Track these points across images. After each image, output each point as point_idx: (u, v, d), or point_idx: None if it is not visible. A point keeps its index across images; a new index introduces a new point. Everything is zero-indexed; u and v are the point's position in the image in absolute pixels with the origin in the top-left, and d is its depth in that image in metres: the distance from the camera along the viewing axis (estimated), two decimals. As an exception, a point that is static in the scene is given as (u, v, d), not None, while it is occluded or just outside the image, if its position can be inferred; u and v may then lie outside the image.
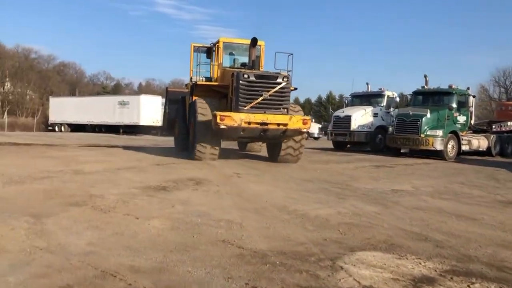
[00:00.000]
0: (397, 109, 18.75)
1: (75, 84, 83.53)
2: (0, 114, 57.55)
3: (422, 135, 14.78)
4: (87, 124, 45.91)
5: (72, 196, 6.11)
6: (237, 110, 10.88)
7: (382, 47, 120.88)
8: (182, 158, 11.69)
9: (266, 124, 10.83)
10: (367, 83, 19.99)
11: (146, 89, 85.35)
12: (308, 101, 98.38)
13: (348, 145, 19.68)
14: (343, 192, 7.47)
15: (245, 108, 10.88)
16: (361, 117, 18.05)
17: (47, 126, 49.73)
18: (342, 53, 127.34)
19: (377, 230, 5.10)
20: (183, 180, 7.79)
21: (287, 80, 11.22)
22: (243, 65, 12.38)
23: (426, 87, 16.98)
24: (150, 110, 38.69)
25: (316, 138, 44.60)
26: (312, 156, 14.56)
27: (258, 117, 10.80)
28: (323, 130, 48.50)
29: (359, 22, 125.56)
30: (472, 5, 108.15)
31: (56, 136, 33.34)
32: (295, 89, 12.49)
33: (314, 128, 45.78)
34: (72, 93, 70.60)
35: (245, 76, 10.98)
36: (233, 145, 19.00)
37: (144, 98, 40.42)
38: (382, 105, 18.66)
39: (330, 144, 27.10)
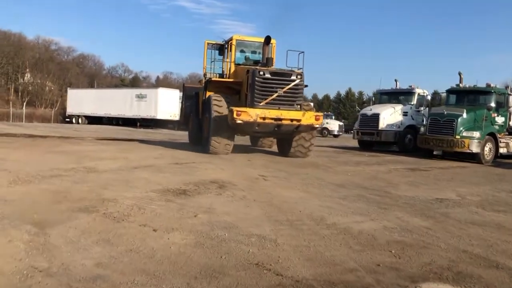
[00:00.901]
0: (427, 108, 17.75)
1: (94, 76, 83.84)
2: (19, 105, 57.78)
3: (458, 137, 13.78)
4: (104, 117, 45.73)
5: (82, 200, 5.43)
6: (252, 105, 11.25)
7: (409, 44, 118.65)
8: (202, 157, 11.02)
9: (280, 119, 11.15)
10: (395, 80, 19.01)
11: (163, 82, 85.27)
12: (326, 97, 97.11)
13: (374, 145, 18.71)
14: (383, 201, 6.66)
15: (261, 104, 11.26)
16: (390, 116, 17.07)
17: (65, 118, 49.76)
18: (363, 48, 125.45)
19: (435, 252, 4.30)
20: (204, 183, 7.07)
21: (301, 77, 11.59)
22: (256, 62, 12.76)
23: (461, 85, 15.91)
24: (168, 104, 38.21)
25: (336, 136, 43.57)
26: (339, 157, 13.71)
27: (273, 113, 11.15)
28: (343, 127, 47.51)
29: (381, 17, 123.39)
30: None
31: (72, 128, 33.06)
32: (306, 86, 12.69)
33: (334, 125, 44.81)
34: (91, 85, 70.77)
35: (261, 73, 11.35)
36: (244, 140, 18.37)
37: (162, 92, 39.93)
38: (412, 103, 17.62)
39: (352, 143, 26.14)
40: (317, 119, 11.59)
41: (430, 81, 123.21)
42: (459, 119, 13.88)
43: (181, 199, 5.85)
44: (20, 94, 71.38)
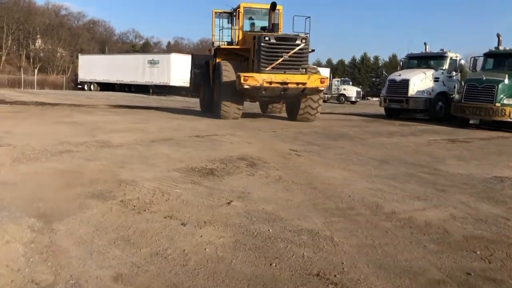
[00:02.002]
0: (460, 74, 16.52)
1: (105, 42, 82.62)
2: (31, 71, 57.18)
3: (498, 104, 12.62)
4: (116, 83, 44.93)
5: (96, 182, 4.67)
6: (259, 71, 11.61)
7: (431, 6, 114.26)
8: (224, 128, 10.19)
9: (286, 83, 11.54)
10: (425, 43, 17.61)
11: (174, 48, 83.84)
12: (341, 62, 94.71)
13: (401, 113, 17.61)
14: (437, 181, 5.79)
15: (267, 69, 11.60)
16: (420, 82, 15.86)
17: (77, 85, 49.07)
18: (380, 12, 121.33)
19: (530, 253, 3.47)
20: (232, 160, 6.26)
21: (306, 42, 11.83)
22: (263, 28, 12.92)
23: (500, 48, 14.59)
24: (181, 70, 37.05)
25: (353, 102, 42.25)
26: (369, 126, 12.76)
27: (279, 77, 11.51)
28: (361, 94, 46.08)
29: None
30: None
31: (84, 95, 32.37)
32: (313, 50, 13.03)
33: (352, 91, 43.40)
34: (102, 51, 69.75)
35: (266, 38, 11.63)
36: (253, 107, 17.65)
37: (175, 57, 38.75)
38: (443, 68, 16.34)
39: (372, 109, 24.98)
40: (322, 82, 11.90)
41: (457, 45, 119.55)
42: (499, 85, 12.70)
43: (209, 180, 5.06)
44: (31, 60, 70.73)
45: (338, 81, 44.99)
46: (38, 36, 73.80)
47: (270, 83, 11.45)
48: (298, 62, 11.86)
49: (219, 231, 3.50)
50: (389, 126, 13.34)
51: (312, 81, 11.72)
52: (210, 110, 13.91)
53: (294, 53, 11.73)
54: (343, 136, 9.82)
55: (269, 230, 3.57)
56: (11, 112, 12.15)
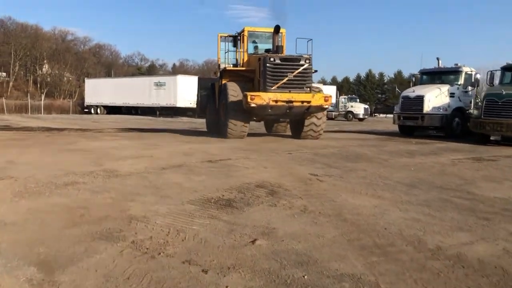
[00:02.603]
0: (475, 89, 16.05)
1: (111, 66, 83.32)
2: (38, 96, 57.44)
3: (521, 119, 12.13)
4: (123, 106, 44.90)
5: (104, 220, 4.22)
6: (265, 90, 12.11)
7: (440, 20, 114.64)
8: (237, 151, 9.77)
9: (292, 102, 12.03)
10: (437, 58, 17.19)
11: (179, 69, 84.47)
12: (346, 80, 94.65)
13: (415, 130, 17.10)
14: (475, 207, 5.28)
15: (272, 88, 12.11)
16: (436, 98, 15.37)
17: (83, 108, 49.11)
18: (382, 29, 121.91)
19: None
20: (250, 188, 5.80)
21: (309, 62, 12.40)
22: (267, 51, 13.35)
23: (517, 62, 14.12)
24: (187, 91, 36.94)
25: (361, 119, 41.79)
26: (385, 146, 12.26)
27: (284, 96, 12.01)
28: (369, 111, 45.61)
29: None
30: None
31: (91, 119, 32.23)
32: (316, 71, 13.86)
33: (359, 108, 42.99)
34: (108, 75, 70.22)
35: (271, 59, 12.21)
36: (258, 127, 17.56)
37: (181, 79, 38.72)
38: (459, 83, 15.89)
39: (384, 127, 24.35)
40: (326, 100, 12.45)
41: (464, 58, 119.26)
42: (521, 100, 12.22)
43: (227, 213, 4.59)
44: (38, 85, 71.29)
45: (345, 98, 44.70)
46: (45, 61, 74.54)
47: (276, 101, 11.94)
48: (302, 82, 12.39)
49: (247, 279, 3.02)
50: (406, 144, 12.84)
51: (316, 99, 12.22)
52: (216, 130, 14.25)
53: (299, 72, 12.29)
54: (362, 157, 9.34)
55: (304, 277, 3.09)
56: (16, 139, 11.81)
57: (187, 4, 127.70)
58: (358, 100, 46.42)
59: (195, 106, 36.44)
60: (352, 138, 14.93)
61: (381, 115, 56.41)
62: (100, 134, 14.74)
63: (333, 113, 44.43)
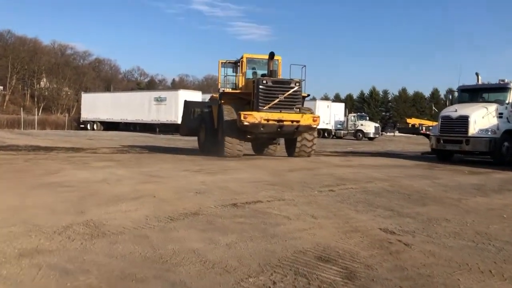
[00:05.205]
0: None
1: (110, 80, 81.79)
2: (36, 110, 55.44)
3: None
4: (121, 122, 42.87)
5: None
6: (257, 109, 13.08)
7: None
8: (264, 187, 7.63)
9: (282, 121, 13.01)
10: (476, 74, 15.11)
11: (179, 85, 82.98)
12: (349, 97, 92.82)
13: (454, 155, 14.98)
14: None
15: (264, 108, 13.10)
16: (482, 119, 13.25)
17: (79, 124, 47.03)
18: (386, 46, 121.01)
19: None
20: (309, 262, 3.69)
21: (299, 85, 13.53)
22: (263, 75, 14.28)
23: None
24: (189, 107, 34.95)
25: (371, 138, 39.81)
26: (438, 177, 10.10)
27: (275, 115, 13.03)
28: (380, 129, 43.58)
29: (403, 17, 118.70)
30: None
31: (86, 136, 30.12)
32: (308, 95, 15.49)
33: (370, 127, 41.05)
34: (107, 89, 68.40)
35: (264, 82, 13.29)
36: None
37: (183, 94, 36.72)
38: (507, 102, 13.81)
39: (398, 147, 22.08)
40: (314, 120, 13.43)
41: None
42: None
43: None
44: (36, 99, 69.36)
45: (354, 116, 42.82)
46: (43, 74, 72.78)
47: (268, 120, 12.89)
48: (292, 103, 13.37)
49: None
50: (459, 175, 10.73)
51: (305, 119, 13.16)
52: (210, 150, 14.81)
53: (289, 94, 13.30)
54: (427, 196, 7.22)
55: None
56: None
57: (187, 20, 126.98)
58: (367, 118, 44.46)
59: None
60: (388, 165, 12.82)
61: (388, 134, 54.37)
62: (91, 158, 12.58)
63: (342, 131, 42.53)
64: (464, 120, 13.37)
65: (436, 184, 8.65)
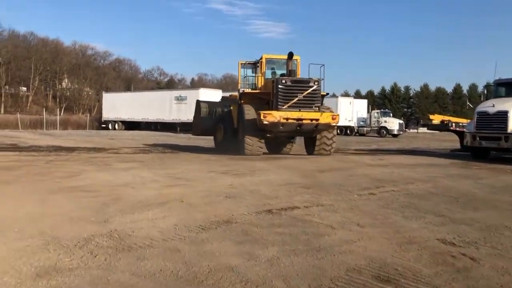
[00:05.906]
0: None
1: (130, 80, 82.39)
2: (59, 111, 56.03)
3: None
4: (142, 122, 42.89)
5: None
6: (277, 109, 13.26)
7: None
8: (297, 190, 7.11)
9: (301, 119, 13.13)
10: (514, 66, 14.33)
11: (198, 84, 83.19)
12: (370, 93, 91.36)
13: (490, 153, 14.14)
14: None
15: (284, 107, 13.25)
16: (523, 114, 12.50)
17: (101, 124, 47.25)
18: (410, 42, 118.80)
19: None
20: (365, 283, 3.16)
21: (318, 84, 13.65)
22: (282, 75, 14.47)
23: None
24: (210, 106, 34.58)
25: (395, 135, 38.78)
26: (480, 176, 9.39)
27: (294, 114, 13.14)
28: (404, 126, 42.50)
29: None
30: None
31: (108, 136, 30.07)
32: (327, 94, 16.10)
33: (394, 124, 40.06)
34: (128, 89, 68.81)
35: (283, 81, 13.48)
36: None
37: (204, 92, 36.49)
38: (549, 97, 12.92)
39: (424, 144, 21.11)
40: (333, 119, 13.48)
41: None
42: None
43: None
44: (58, 100, 70.27)
45: (377, 113, 41.85)
46: (65, 75, 73.70)
47: (287, 119, 12.99)
48: (311, 101, 13.49)
49: None
50: (503, 174, 10.01)
51: (324, 118, 13.28)
52: (227, 149, 14.71)
53: (308, 93, 13.40)
54: (476, 199, 6.60)
55: None
56: (2, 168, 9.38)
57: (206, 19, 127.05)
58: (391, 114, 43.40)
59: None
60: (422, 164, 12.12)
61: (412, 130, 53.08)
62: (113, 159, 12.26)
63: (365, 128, 41.60)
64: (503, 116, 12.53)
65: (481, 185, 7.99)
